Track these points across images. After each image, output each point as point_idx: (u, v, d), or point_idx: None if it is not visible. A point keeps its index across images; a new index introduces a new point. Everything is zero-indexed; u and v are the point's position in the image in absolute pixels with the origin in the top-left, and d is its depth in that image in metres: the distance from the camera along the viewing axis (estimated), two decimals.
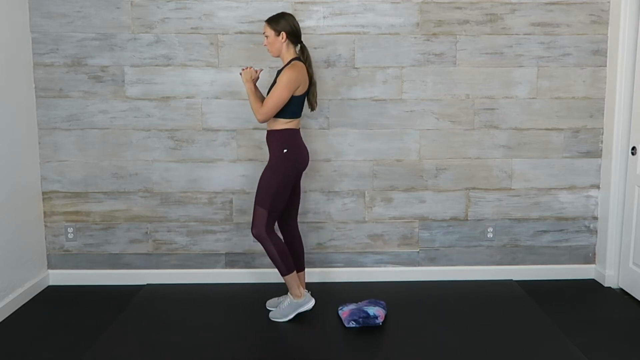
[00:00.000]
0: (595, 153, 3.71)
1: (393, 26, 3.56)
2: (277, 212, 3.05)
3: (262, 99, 3.05)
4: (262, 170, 3.10)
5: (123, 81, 3.57)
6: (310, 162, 3.61)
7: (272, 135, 3.06)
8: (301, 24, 3.51)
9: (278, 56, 3.07)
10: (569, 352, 2.74)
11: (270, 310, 3.24)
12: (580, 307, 3.32)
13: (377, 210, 3.73)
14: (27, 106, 3.50)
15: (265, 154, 3.61)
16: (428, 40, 3.57)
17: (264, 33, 3.04)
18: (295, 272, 3.12)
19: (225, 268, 3.76)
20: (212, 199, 3.69)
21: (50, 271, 3.72)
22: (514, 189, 3.73)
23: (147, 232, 3.72)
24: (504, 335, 2.93)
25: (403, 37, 3.57)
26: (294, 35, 3.02)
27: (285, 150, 3.01)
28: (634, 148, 3.42)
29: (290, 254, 3.14)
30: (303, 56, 3.07)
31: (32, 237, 3.56)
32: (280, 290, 3.45)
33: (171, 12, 3.52)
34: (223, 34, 3.54)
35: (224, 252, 3.75)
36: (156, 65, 3.56)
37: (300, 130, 3.12)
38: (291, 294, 3.15)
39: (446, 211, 3.74)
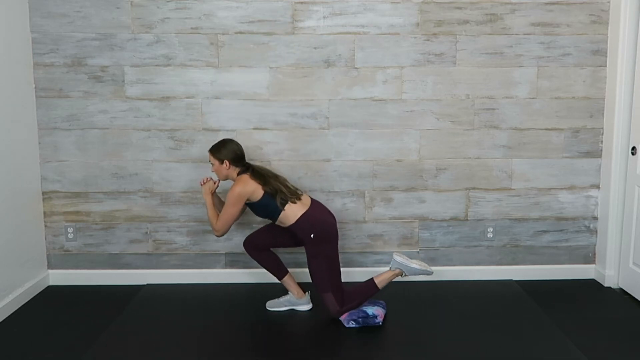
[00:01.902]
0: (595, 153, 3.71)
1: (393, 26, 3.56)
2: (339, 284, 3.08)
3: (221, 208, 3.17)
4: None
5: (123, 81, 3.57)
6: (310, 162, 3.63)
7: (295, 228, 3.06)
8: (301, 24, 3.52)
9: (226, 179, 3.17)
10: (568, 352, 2.74)
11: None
12: (580, 307, 3.32)
13: (377, 210, 3.73)
14: (27, 106, 3.50)
15: (265, 155, 3.62)
16: (428, 40, 3.57)
17: (209, 160, 3.15)
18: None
19: (225, 268, 3.76)
20: None
21: (50, 271, 3.72)
22: (514, 189, 3.73)
23: (147, 232, 3.72)
24: (504, 335, 2.93)
25: (403, 37, 3.57)
26: (237, 160, 3.11)
27: (312, 235, 3.01)
28: (634, 148, 3.42)
29: (279, 263, 3.29)
30: (249, 169, 3.11)
31: (32, 237, 3.56)
32: (280, 290, 3.46)
33: (171, 12, 3.52)
34: (223, 34, 3.54)
35: (224, 252, 3.75)
36: (156, 65, 3.56)
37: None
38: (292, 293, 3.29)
39: (446, 211, 3.74)
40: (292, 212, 3.02)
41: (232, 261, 3.76)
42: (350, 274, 3.72)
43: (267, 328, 3.05)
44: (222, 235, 3.12)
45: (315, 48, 3.55)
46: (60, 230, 3.70)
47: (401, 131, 3.65)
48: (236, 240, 3.73)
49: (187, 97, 3.60)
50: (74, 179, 3.66)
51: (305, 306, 3.28)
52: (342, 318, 3.08)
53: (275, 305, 3.30)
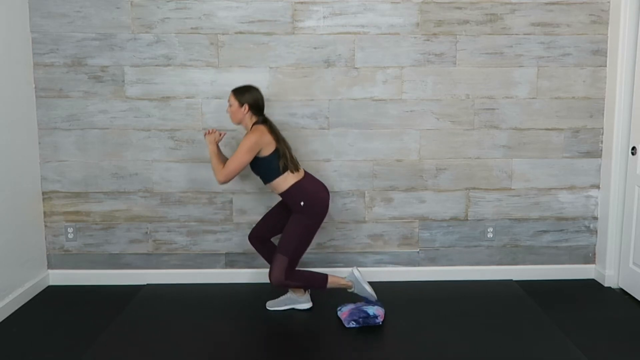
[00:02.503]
0: (595, 153, 3.71)
1: (393, 26, 3.56)
2: (297, 260, 3.09)
3: (224, 160, 3.11)
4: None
5: (123, 81, 3.57)
6: (310, 162, 3.63)
7: (285, 196, 3.09)
8: (301, 24, 3.52)
9: (239, 124, 3.14)
10: (568, 352, 2.74)
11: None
12: (580, 307, 3.32)
13: (377, 210, 3.73)
14: (27, 106, 3.50)
15: None
16: (428, 40, 3.57)
17: (228, 100, 3.11)
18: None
19: (225, 268, 3.76)
20: (212, 199, 3.69)
21: (50, 271, 3.72)
22: (514, 189, 3.73)
23: (147, 232, 3.72)
24: (504, 335, 2.93)
25: (403, 37, 3.57)
26: (257, 109, 3.09)
27: (302, 203, 3.04)
28: (634, 148, 3.42)
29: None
30: (266, 122, 3.10)
31: (32, 237, 3.56)
32: (280, 290, 3.46)
33: (171, 12, 3.52)
34: (223, 34, 3.54)
35: (224, 252, 3.75)
36: (156, 65, 3.57)
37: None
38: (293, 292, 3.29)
39: (446, 211, 3.74)
40: (284, 180, 3.04)
41: (232, 261, 3.76)
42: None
43: (267, 328, 3.05)
44: (226, 182, 3.02)
45: (315, 48, 3.55)
46: (60, 230, 3.70)
47: (401, 131, 3.65)
48: (236, 240, 3.73)
49: (187, 97, 3.60)
50: (74, 179, 3.66)
51: (305, 304, 3.29)
52: (343, 318, 3.08)
53: (275, 305, 3.30)
